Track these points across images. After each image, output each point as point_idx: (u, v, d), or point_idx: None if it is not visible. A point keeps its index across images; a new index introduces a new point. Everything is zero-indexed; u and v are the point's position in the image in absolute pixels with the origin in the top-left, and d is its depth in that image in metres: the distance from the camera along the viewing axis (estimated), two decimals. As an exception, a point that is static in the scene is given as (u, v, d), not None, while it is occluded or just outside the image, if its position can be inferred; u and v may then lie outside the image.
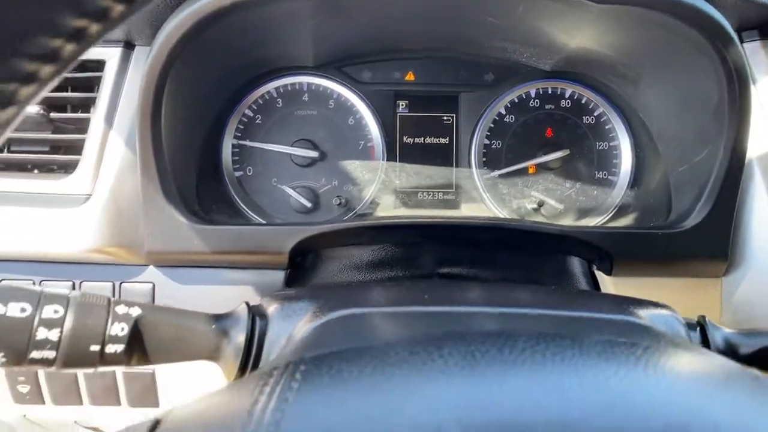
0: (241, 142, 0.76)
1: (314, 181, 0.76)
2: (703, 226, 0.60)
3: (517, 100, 0.76)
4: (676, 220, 0.63)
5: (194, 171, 0.70)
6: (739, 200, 0.61)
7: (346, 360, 0.27)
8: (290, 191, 0.75)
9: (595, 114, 0.75)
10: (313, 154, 0.75)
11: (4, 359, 0.34)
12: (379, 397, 0.24)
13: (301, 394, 0.25)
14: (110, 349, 0.37)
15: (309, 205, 0.75)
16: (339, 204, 0.75)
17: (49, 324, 0.35)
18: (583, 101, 0.75)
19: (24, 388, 0.66)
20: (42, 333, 0.35)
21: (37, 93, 0.20)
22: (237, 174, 0.76)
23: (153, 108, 0.58)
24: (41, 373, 0.66)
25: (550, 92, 0.76)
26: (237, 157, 0.76)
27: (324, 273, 0.66)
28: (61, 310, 0.36)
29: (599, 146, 0.75)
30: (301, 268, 0.66)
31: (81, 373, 0.66)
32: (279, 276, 0.64)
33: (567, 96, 0.76)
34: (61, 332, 0.35)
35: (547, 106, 0.76)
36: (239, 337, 0.43)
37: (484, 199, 0.75)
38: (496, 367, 0.25)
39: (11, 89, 0.19)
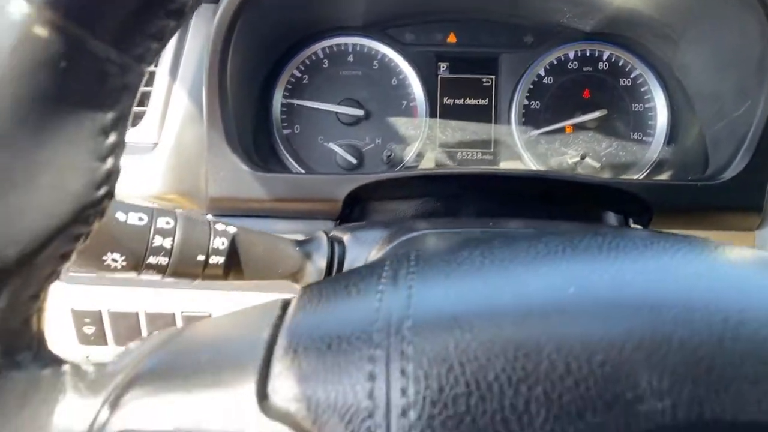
0: (289, 100, 0.80)
1: (359, 139, 0.80)
2: (740, 179, 0.64)
3: (555, 62, 0.80)
4: (714, 174, 0.67)
5: (250, 127, 0.74)
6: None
7: (455, 248, 0.31)
8: (336, 148, 0.80)
9: (632, 76, 0.79)
10: (359, 112, 0.79)
11: (124, 263, 0.39)
12: (500, 275, 0.27)
13: (421, 274, 0.28)
14: (213, 260, 0.42)
15: (354, 161, 0.79)
16: (388, 156, 0.79)
17: (163, 233, 0.40)
18: (620, 63, 0.79)
19: (89, 330, 0.70)
20: (158, 240, 0.39)
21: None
22: (285, 132, 0.80)
23: (221, 59, 0.62)
24: (105, 314, 0.70)
25: (588, 54, 0.80)
26: (285, 116, 0.80)
27: (371, 225, 0.71)
28: (172, 222, 0.40)
29: (635, 107, 0.80)
30: (349, 220, 0.70)
31: (143, 314, 0.70)
32: (330, 226, 0.69)
33: (605, 58, 0.80)
34: (173, 241, 0.40)
35: (585, 68, 0.80)
36: (321, 261, 0.47)
37: (523, 157, 0.80)
38: (601, 252, 0.28)
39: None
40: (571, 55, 0.80)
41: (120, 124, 0.24)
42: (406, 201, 0.70)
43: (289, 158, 0.80)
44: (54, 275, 0.25)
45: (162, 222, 0.40)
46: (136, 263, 0.39)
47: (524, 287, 0.26)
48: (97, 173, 0.23)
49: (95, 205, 0.24)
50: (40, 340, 0.26)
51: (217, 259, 0.42)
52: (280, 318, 0.28)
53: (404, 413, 0.22)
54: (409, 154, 0.80)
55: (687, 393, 0.22)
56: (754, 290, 0.25)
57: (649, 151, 0.79)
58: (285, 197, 0.66)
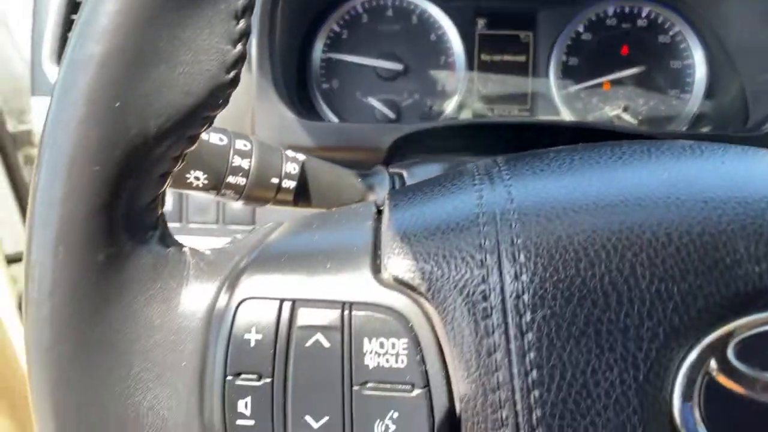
0: (329, 55, 0.82)
1: (397, 94, 0.82)
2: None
3: (594, 19, 0.82)
4: (754, 127, 0.69)
5: (292, 79, 0.76)
6: None
7: (537, 155, 0.33)
8: (375, 102, 0.82)
9: (671, 33, 0.81)
10: (398, 66, 0.81)
11: (206, 181, 0.41)
12: (591, 169, 0.29)
13: (514, 172, 0.30)
14: (285, 184, 0.44)
15: (393, 116, 0.81)
16: (430, 107, 0.81)
17: (241, 154, 0.42)
18: (659, 20, 0.81)
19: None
20: (237, 160, 0.42)
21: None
22: (324, 86, 0.82)
23: (271, 8, 0.64)
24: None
25: (627, 11, 0.81)
26: (324, 71, 0.82)
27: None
28: (249, 145, 0.43)
29: (674, 64, 0.81)
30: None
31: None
32: (373, 176, 0.71)
33: (644, 15, 0.81)
34: (251, 162, 0.42)
35: (623, 25, 0.81)
36: (383, 193, 0.49)
37: (561, 112, 0.82)
38: (685, 150, 0.30)
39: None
40: (610, 11, 0.82)
41: (248, 12, 0.26)
42: (446, 156, 0.73)
43: (328, 113, 0.82)
44: (178, 161, 0.27)
45: (240, 144, 0.42)
46: (217, 182, 0.41)
47: (617, 176, 0.28)
48: (228, 56, 0.26)
49: (225, 88, 0.26)
50: (163, 223, 0.28)
51: (289, 184, 0.44)
52: (378, 214, 0.30)
53: (518, 296, 0.24)
54: (449, 107, 0.82)
55: None
56: None
57: (687, 106, 0.81)
58: (329, 145, 0.68)
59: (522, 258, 0.25)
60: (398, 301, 0.25)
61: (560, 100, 0.82)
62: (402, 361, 0.25)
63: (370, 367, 0.25)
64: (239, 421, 0.25)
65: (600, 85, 0.82)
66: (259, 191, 0.44)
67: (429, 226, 0.27)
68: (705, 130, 0.78)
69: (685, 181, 0.27)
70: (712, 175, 0.27)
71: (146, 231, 0.27)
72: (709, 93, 0.80)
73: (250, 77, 0.68)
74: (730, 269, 0.24)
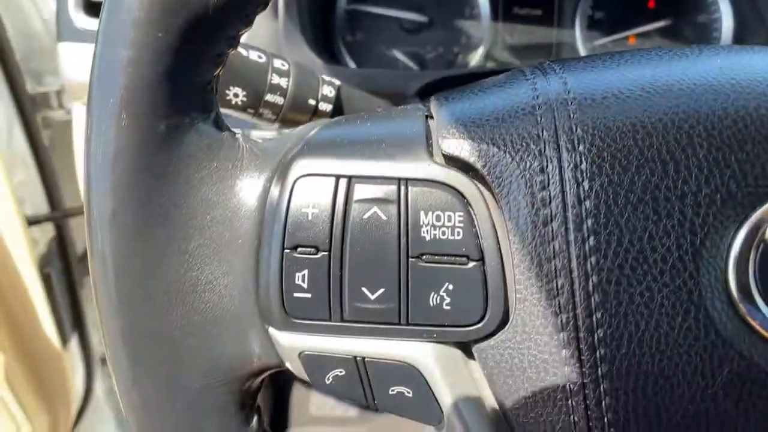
0: (353, 6, 0.82)
1: (421, 47, 0.82)
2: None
3: (621, -29, 0.81)
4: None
5: (318, 30, 0.77)
6: None
7: (584, 59, 0.32)
8: (399, 55, 0.82)
9: (698, -14, 0.80)
10: (422, 18, 0.81)
11: (244, 98, 0.41)
12: (643, 64, 0.29)
13: (567, 67, 0.29)
14: (322, 106, 0.45)
15: (417, 68, 0.81)
16: (456, 54, 0.81)
17: (280, 73, 0.42)
18: (686, -28, 0.81)
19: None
20: (275, 79, 0.42)
21: None
22: (348, 38, 0.83)
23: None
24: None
25: (654, -37, 0.81)
26: (347, 22, 0.82)
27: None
28: (287, 65, 0.43)
29: (700, 18, 0.81)
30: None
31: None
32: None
33: (671, -33, 0.81)
34: (288, 81, 0.43)
35: (650, -22, 0.81)
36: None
37: (586, 66, 0.81)
38: (732, 49, 0.30)
39: None
40: (637, -36, 0.81)
41: None
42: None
43: (352, 65, 0.82)
44: (234, 43, 0.27)
45: (278, 63, 0.43)
46: (255, 100, 0.42)
47: (670, 64, 0.28)
48: None
49: None
50: (218, 110, 0.28)
51: (326, 107, 0.45)
52: (427, 112, 0.30)
53: (576, 165, 0.25)
54: (474, 59, 0.82)
55: None
56: None
57: (713, 60, 0.80)
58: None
59: (579, 131, 0.25)
60: (453, 177, 0.26)
61: (586, 53, 0.81)
62: (458, 233, 0.25)
63: (427, 239, 0.25)
64: (296, 294, 0.26)
65: (626, 38, 0.81)
66: (296, 113, 0.44)
67: (483, 113, 0.27)
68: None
69: (739, 66, 0.27)
70: (764, 62, 0.28)
71: (204, 109, 0.27)
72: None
73: (276, 25, 0.68)
74: None
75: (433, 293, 0.26)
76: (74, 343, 1.23)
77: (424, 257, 0.26)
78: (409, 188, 0.26)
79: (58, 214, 1.15)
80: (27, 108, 1.13)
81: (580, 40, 0.81)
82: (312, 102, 0.44)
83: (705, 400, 0.24)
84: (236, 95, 0.41)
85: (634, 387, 0.24)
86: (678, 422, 0.25)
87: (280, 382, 1.35)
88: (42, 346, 1.15)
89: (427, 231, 0.26)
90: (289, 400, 1.37)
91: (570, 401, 0.25)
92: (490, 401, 0.27)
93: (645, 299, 0.24)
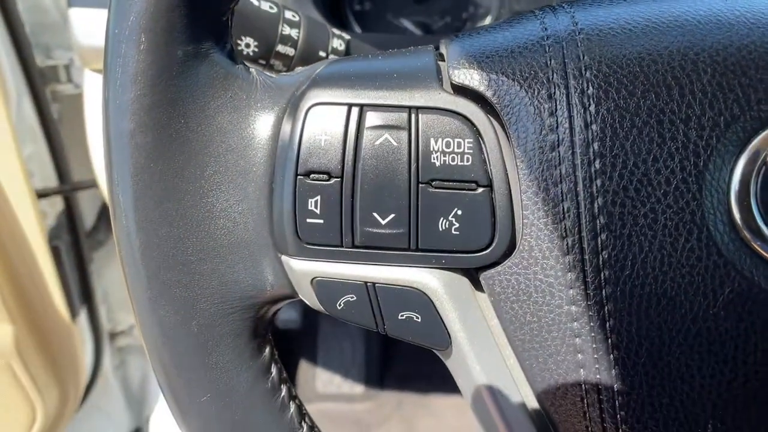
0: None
1: (428, 16, 0.83)
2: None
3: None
4: None
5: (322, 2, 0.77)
6: None
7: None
8: (407, 24, 0.82)
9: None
10: (430, -15, 0.82)
11: (256, 48, 0.42)
12: (652, 4, 0.29)
13: (577, 5, 0.30)
14: (332, 58, 0.45)
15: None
16: (464, 21, 0.81)
17: (291, 24, 0.43)
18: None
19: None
20: (286, 29, 0.43)
21: None
22: (356, 7, 0.83)
23: None
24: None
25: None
26: (356, -8, 0.83)
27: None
28: (298, 17, 0.44)
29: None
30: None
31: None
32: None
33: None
34: (299, 33, 0.43)
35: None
36: None
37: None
38: None
39: None
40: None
41: None
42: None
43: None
44: None
45: (289, 14, 0.43)
46: (267, 50, 0.43)
47: (677, 3, 0.29)
48: None
49: None
50: (232, 42, 0.29)
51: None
52: (437, 52, 0.31)
53: (583, 91, 0.25)
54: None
55: None
56: None
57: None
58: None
59: (587, 59, 0.26)
60: (463, 105, 0.27)
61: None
62: (467, 160, 0.26)
63: (437, 165, 0.26)
64: (309, 220, 0.27)
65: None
66: (306, 65, 0.44)
67: (493, 46, 0.28)
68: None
69: (745, 3, 0.28)
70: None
71: (219, 40, 0.28)
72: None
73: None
74: None
75: (442, 219, 0.26)
76: (83, 317, 1.24)
77: (433, 183, 0.26)
78: (420, 116, 0.27)
79: (67, 187, 1.16)
80: (36, 81, 1.14)
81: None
82: (322, 54, 0.44)
83: (707, 319, 0.25)
84: (248, 45, 0.42)
85: (638, 308, 0.25)
86: (680, 342, 0.25)
87: (287, 359, 1.37)
88: (51, 319, 1.16)
89: (437, 157, 0.26)
90: (296, 377, 1.38)
91: (574, 324, 0.26)
92: (497, 329, 0.28)
93: (649, 221, 0.25)
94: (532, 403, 0.29)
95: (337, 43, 0.45)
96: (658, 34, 0.26)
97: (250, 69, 0.29)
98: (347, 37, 0.47)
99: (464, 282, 0.28)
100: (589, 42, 0.26)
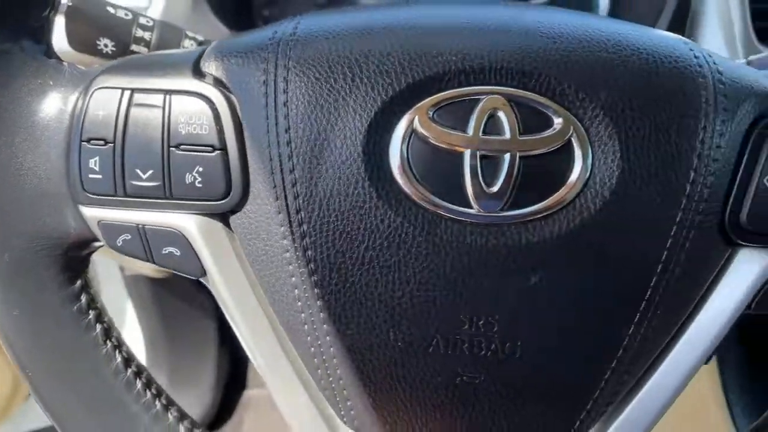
0: (270, -17, 0.91)
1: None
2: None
3: (512, -47, 0.90)
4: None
5: (234, 5, 0.86)
6: (689, 35, 0.76)
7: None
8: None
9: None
10: (333, -6, 0.90)
11: (114, 48, 0.51)
12: (376, 13, 0.38)
13: (307, 17, 0.38)
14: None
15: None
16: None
17: (144, 27, 0.52)
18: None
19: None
20: (140, 32, 0.51)
21: None
22: (265, 13, 0.91)
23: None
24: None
25: (542, -55, 0.89)
26: (266, -2, 0.91)
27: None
28: (152, 22, 0.52)
29: (583, -6, 0.90)
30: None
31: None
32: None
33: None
34: (152, 35, 0.52)
35: (539, -42, 0.90)
36: None
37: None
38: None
39: None
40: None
41: None
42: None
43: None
44: None
45: (143, 20, 0.52)
46: (123, 49, 0.51)
47: (384, 12, 0.37)
48: None
49: None
50: (49, 42, 0.38)
51: (188, 57, 0.54)
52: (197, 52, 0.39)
53: (285, 79, 0.34)
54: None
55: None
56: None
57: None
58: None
59: (292, 53, 0.34)
60: (206, 89, 0.35)
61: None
62: (205, 130, 0.35)
63: (183, 133, 0.35)
64: (91, 176, 0.35)
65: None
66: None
67: (239, 45, 0.37)
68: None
69: (466, 15, 0.36)
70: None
71: (36, 40, 0.37)
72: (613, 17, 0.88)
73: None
74: (435, 57, 0.33)
75: (188, 174, 0.35)
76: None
77: (180, 147, 0.35)
78: (173, 97, 0.35)
79: None
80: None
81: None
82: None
83: (375, 248, 0.33)
84: (106, 45, 0.50)
85: (326, 240, 0.34)
86: (359, 267, 0.34)
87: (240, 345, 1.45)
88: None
89: (183, 127, 0.35)
90: (248, 362, 1.46)
91: (286, 254, 0.34)
92: (246, 263, 0.37)
93: (329, 173, 0.33)
94: (274, 323, 0.37)
95: (188, 44, 0.54)
96: (347, 37, 0.34)
97: (63, 63, 0.38)
98: (200, 38, 0.55)
99: (218, 225, 0.36)
100: (297, 42, 0.35)
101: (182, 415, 0.41)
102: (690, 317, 0.36)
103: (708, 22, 0.76)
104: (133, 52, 0.52)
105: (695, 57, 0.35)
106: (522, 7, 0.37)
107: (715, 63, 0.35)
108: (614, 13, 0.88)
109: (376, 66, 0.33)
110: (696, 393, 1.03)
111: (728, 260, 0.35)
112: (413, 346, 0.35)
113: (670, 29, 0.77)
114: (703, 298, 0.36)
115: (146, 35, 0.52)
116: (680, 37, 0.37)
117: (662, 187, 0.33)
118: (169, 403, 0.41)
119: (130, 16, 0.51)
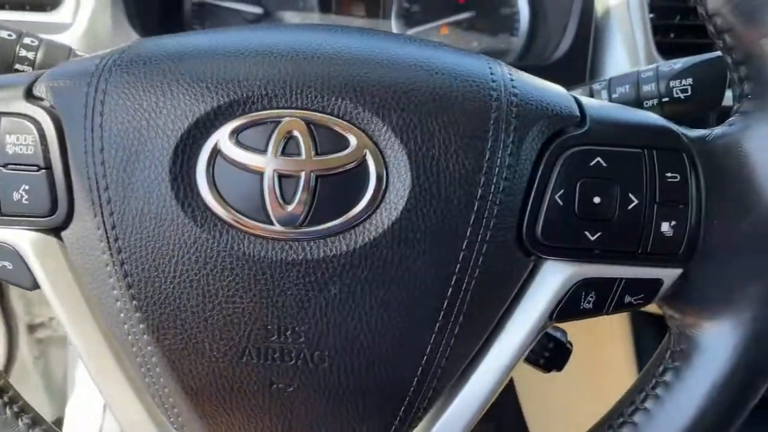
0: None
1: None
2: (562, 61, 0.77)
3: (434, -31, 0.92)
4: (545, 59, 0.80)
5: (157, 18, 0.88)
6: (596, 47, 0.78)
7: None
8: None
9: (501, -18, 0.92)
10: (258, 10, 0.92)
11: (-2, 66, 0.52)
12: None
13: (138, 43, 0.40)
14: None
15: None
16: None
17: (28, 47, 0.53)
18: (490, -30, 0.92)
19: None
20: (23, 52, 0.53)
21: None
22: (195, 29, 0.93)
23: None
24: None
25: (462, -38, 0.92)
26: (196, 15, 0.93)
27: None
28: (37, 42, 0.54)
29: (503, 11, 0.92)
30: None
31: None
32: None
33: (477, -34, 0.92)
34: (35, 56, 0.54)
35: (460, -25, 0.92)
36: None
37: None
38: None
39: None
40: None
41: None
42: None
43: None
44: None
45: (28, 40, 0.54)
46: (8, 67, 0.53)
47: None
48: None
49: None
50: None
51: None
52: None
53: (101, 113, 0.36)
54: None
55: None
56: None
57: (512, 47, 0.92)
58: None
59: (111, 77, 0.36)
60: (35, 111, 0.37)
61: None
62: (31, 150, 0.36)
63: (10, 153, 0.36)
64: None
65: (438, 29, 0.92)
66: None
67: (69, 70, 0.38)
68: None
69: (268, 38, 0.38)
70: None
71: None
72: (533, 36, 0.91)
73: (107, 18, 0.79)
74: (241, 81, 0.35)
75: (15, 192, 0.37)
76: (-5, 310, 1.33)
77: (8, 166, 0.37)
78: (2, 119, 0.37)
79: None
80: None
81: (395, 29, 0.92)
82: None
83: (185, 263, 0.35)
84: (-10, 64, 0.52)
85: (140, 256, 0.35)
86: (171, 280, 0.35)
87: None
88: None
89: (10, 148, 0.37)
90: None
91: (108, 268, 0.36)
92: (80, 276, 0.38)
93: (140, 192, 0.35)
94: (101, 324, 0.39)
95: (76, 63, 0.56)
96: (166, 63, 0.36)
97: None
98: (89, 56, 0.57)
99: (51, 240, 0.38)
100: (118, 68, 0.37)
101: (34, 422, 0.42)
102: (499, 325, 0.38)
103: (612, 37, 0.79)
104: (18, 71, 0.54)
105: (492, 80, 0.37)
106: (333, 31, 0.39)
107: (513, 85, 0.37)
108: (531, 30, 0.91)
109: (185, 89, 0.35)
110: (610, 360, 1.05)
111: (533, 272, 0.37)
112: (227, 355, 0.36)
113: (574, 45, 0.80)
114: (511, 308, 0.38)
115: (30, 54, 0.54)
116: (488, 59, 0.39)
117: (451, 204, 0.35)
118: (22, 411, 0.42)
119: (13, 37, 0.53)
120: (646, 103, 0.51)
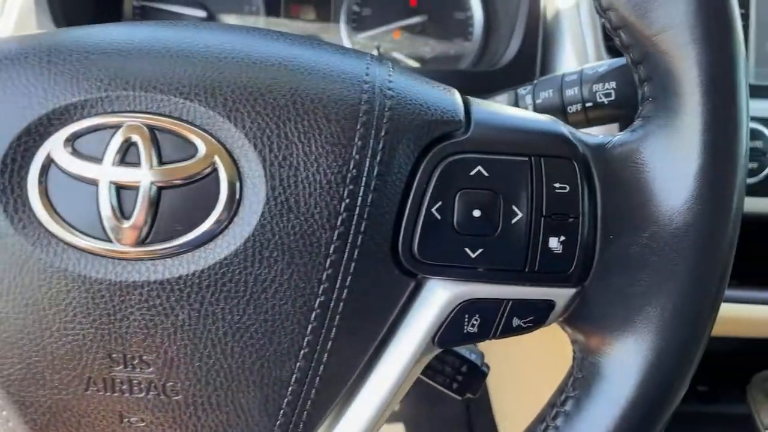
0: (142, 3, 0.90)
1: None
2: (511, 65, 0.74)
3: (385, -28, 0.89)
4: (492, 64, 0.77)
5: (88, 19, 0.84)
6: (546, 50, 0.75)
7: None
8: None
9: (455, -15, 0.88)
10: (201, 13, 0.89)
11: None
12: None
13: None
14: None
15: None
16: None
17: None
18: (443, -27, 0.88)
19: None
20: None
21: None
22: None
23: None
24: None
25: (414, -36, 0.89)
26: (138, 19, 0.90)
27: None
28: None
29: (457, 15, 0.89)
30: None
31: None
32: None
33: (430, -32, 0.89)
34: None
35: (412, -22, 0.89)
36: None
37: (352, 58, 0.89)
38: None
39: None
40: (399, -36, 0.89)
41: None
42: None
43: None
44: None
45: None
46: None
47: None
48: None
49: None
50: None
51: None
52: None
53: None
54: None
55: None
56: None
57: (466, 52, 0.88)
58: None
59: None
60: None
61: (352, 46, 0.89)
62: None
63: None
64: None
65: (390, 33, 0.89)
66: None
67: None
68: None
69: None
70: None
71: None
72: (487, 41, 0.88)
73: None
74: (80, 82, 0.32)
75: None
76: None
77: None
78: None
79: None
80: None
81: (344, 35, 0.89)
82: None
83: (17, 285, 0.31)
84: None
85: None
86: (5, 304, 0.32)
87: None
88: None
89: None
90: None
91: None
92: None
93: None
94: None
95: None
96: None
97: None
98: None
99: None
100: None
101: None
102: (380, 349, 0.34)
103: (562, 39, 0.75)
104: None
105: (365, 81, 0.33)
106: (196, 28, 0.35)
107: (390, 87, 0.33)
108: (485, 34, 0.87)
109: (19, 92, 0.32)
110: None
111: (415, 292, 0.34)
112: (71, 386, 0.33)
113: (522, 49, 0.76)
114: (392, 330, 0.34)
115: None
116: (372, 58, 0.35)
117: (311, 218, 0.31)
118: None
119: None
120: (570, 108, 0.48)
